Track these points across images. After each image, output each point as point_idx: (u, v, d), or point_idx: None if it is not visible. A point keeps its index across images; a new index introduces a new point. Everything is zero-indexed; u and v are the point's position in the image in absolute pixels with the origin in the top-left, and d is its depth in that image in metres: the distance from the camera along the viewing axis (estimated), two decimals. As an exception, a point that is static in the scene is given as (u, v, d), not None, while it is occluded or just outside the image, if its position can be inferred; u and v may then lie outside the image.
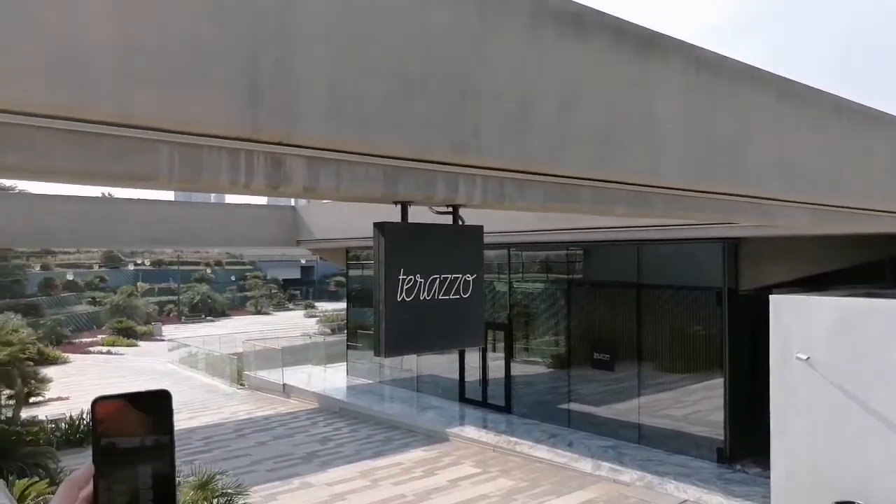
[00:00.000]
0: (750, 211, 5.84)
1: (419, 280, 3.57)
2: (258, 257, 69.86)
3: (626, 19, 4.42)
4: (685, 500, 11.64)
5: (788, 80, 6.07)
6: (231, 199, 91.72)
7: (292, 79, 2.65)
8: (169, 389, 0.89)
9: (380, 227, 3.50)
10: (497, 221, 10.19)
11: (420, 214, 3.95)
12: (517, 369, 17.54)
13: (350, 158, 3.14)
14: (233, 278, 65.64)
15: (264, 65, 2.54)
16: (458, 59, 3.40)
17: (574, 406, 16.01)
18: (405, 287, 3.52)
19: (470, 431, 15.97)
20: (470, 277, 3.80)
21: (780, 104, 6.00)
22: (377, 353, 3.49)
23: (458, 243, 3.82)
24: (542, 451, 14.24)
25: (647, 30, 4.53)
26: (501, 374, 17.81)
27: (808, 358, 10.12)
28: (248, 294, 62.00)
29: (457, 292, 3.75)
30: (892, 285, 12.70)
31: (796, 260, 13.11)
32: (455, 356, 18.92)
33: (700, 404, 13.98)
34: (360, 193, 3.25)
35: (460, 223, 3.89)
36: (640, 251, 14.56)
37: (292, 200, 27.14)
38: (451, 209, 3.86)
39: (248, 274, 66.98)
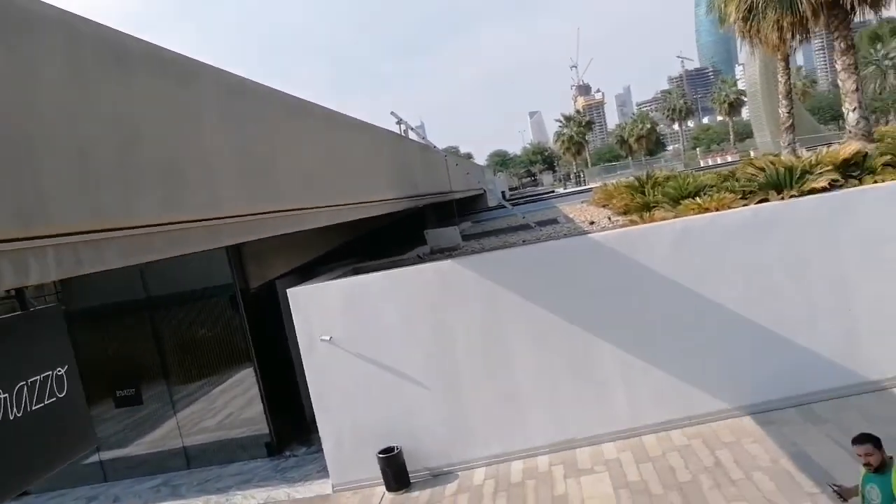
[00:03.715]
0: (289, 222, 6.17)
1: (2, 396, 2.76)
2: None
3: (162, 45, 4.13)
4: (255, 506, 11.75)
5: (294, 96, 6.57)
6: None
7: None
8: None
9: (-73, 342, 2.55)
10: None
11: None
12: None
13: None
14: None
15: None
16: (4, 108, 2.69)
17: (106, 455, 14.28)
18: (-16, 410, 2.67)
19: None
20: (61, 370, 3.11)
21: (291, 118, 6.45)
22: (-35, 510, 2.57)
23: (35, 334, 3.06)
24: (82, 522, 12.41)
25: (185, 57, 4.32)
26: (-6, 453, 14.62)
27: (331, 338, 11.29)
28: None
29: (52, 394, 3.03)
30: (367, 258, 14.97)
31: (292, 251, 14.29)
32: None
33: (239, 406, 14.16)
34: None
35: (31, 308, 3.11)
36: (144, 267, 13.69)
37: None
38: (13, 294, 3.05)
39: None
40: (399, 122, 16.00)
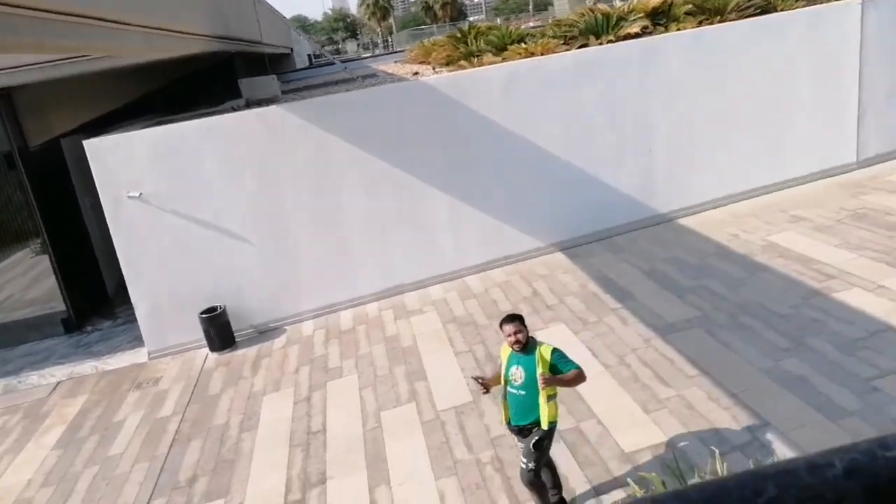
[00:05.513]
0: (102, 34, 5.30)
1: None
2: None
3: None
4: (58, 382, 10.80)
5: None
6: None
7: None
8: None
9: None
10: None
11: None
12: None
13: None
14: None
15: None
16: None
17: None
18: None
19: None
20: None
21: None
22: None
23: None
24: None
25: None
26: None
27: (140, 194, 10.27)
28: None
29: None
30: (166, 112, 13.52)
31: (80, 104, 12.60)
32: None
33: (27, 283, 12.67)
34: None
35: None
36: None
37: None
38: None
39: None
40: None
